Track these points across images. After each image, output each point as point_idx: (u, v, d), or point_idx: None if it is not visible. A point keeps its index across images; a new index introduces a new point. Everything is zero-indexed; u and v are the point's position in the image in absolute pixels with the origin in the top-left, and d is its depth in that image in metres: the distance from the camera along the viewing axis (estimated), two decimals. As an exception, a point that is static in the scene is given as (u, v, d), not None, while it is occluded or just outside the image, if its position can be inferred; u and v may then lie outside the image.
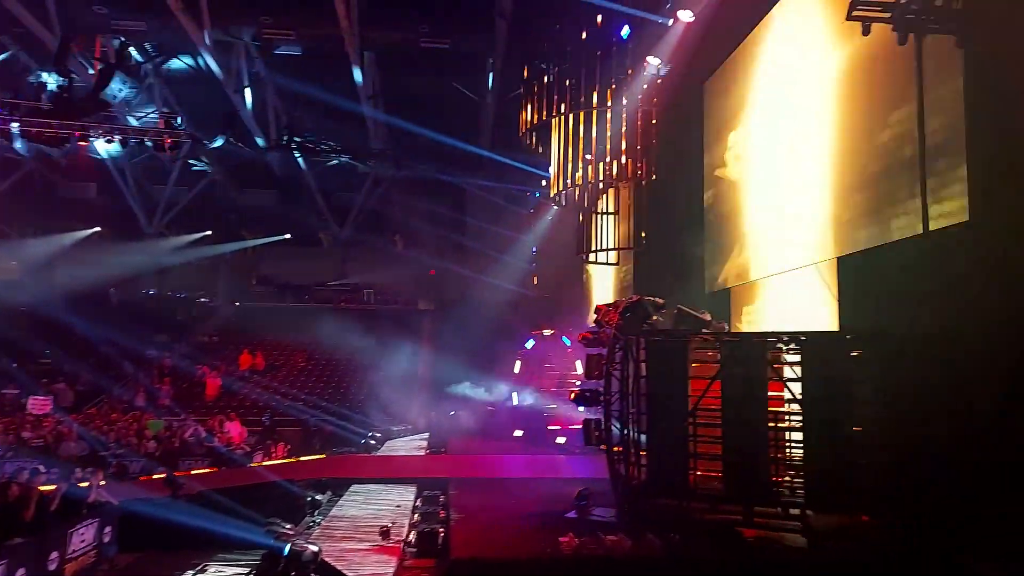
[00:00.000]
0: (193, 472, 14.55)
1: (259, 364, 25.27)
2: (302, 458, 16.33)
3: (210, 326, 30.02)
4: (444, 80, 26.06)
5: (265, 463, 16.29)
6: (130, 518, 10.20)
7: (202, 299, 33.39)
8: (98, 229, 31.88)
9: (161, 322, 28.89)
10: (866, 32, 7.48)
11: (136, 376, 23.80)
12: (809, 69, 10.70)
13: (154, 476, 13.30)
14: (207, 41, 21.56)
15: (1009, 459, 6.45)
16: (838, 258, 9.85)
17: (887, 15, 7.19)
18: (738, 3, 12.60)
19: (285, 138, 29.16)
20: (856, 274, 9.45)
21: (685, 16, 12.79)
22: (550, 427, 17.75)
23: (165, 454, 16.30)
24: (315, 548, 8.09)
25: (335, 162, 31.83)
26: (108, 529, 9.98)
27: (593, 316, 10.50)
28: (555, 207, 20.80)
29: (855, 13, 7.34)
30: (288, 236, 34.56)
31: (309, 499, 11.66)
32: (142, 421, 18.15)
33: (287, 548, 7.97)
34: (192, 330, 28.90)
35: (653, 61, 14.25)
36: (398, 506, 10.86)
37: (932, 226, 7.60)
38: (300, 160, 31.16)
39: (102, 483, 10.39)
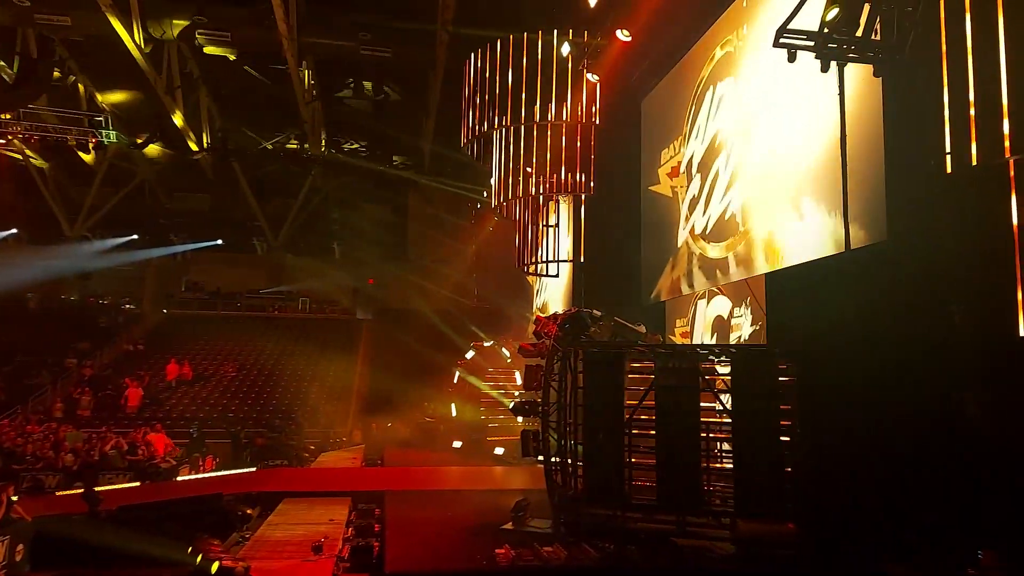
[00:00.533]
0: (114, 487, 13.92)
1: (187, 374, 24.40)
2: (231, 471, 15.85)
3: (136, 334, 28.84)
4: (387, 87, 25.93)
5: (192, 477, 15.76)
6: (45, 535, 9.67)
7: (127, 306, 32.04)
8: (15, 231, 30.26)
9: (83, 329, 27.59)
10: (791, 59, 7.82)
11: (54, 386, 22.65)
12: (740, 92, 11.13)
13: (72, 491, 12.66)
14: (137, 40, 20.83)
15: (923, 468, 6.81)
16: (767, 274, 10.23)
17: (811, 43, 7.54)
18: (673, 26, 13.00)
19: (219, 141, 28.41)
20: (783, 289, 9.85)
21: (622, 36, 13.10)
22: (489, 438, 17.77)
23: (84, 468, 15.55)
24: (245, 564, 7.85)
25: (272, 167, 31.18)
26: (20, 547, 9.41)
27: (532, 327, 10.58)
28: (496, 218, 20.89)
29: (781, 40, 7.66)
30: (220, 242, 33.61)
31: (239, 514, 11.29)
32: (59, 433, 17.26)
33: (215, 565, 7.70)
34: (116, 338, 27.69)
35: (592, 78, 14.55)
36: (331, 520, 10.63)
37: (854, 244, 7.99)
38: (234, 164, 30.39)
39: (14, 498, 9.82)
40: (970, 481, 6.26)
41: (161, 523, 9.68)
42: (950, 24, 6.56)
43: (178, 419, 21.35)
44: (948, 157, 6.50)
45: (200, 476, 15.86)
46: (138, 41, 21.14)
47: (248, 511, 11.35)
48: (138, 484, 14.52)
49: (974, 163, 6.26)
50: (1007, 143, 6.05)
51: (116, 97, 26.47)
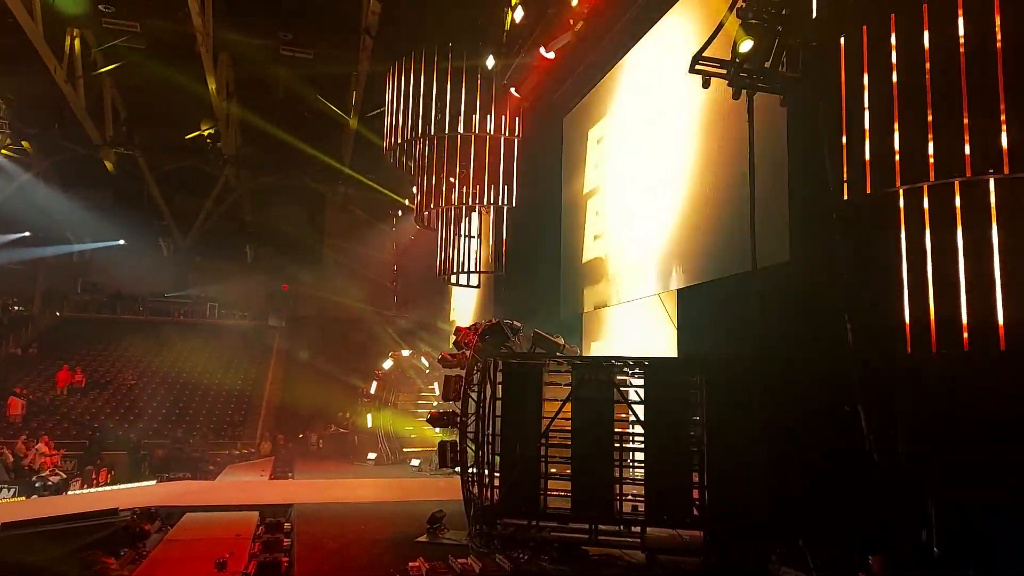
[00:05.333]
0: (-5, 503, 12.96)
1: (79, 381, 22.91)
2: (128, 485, 15.04)
3: (25, 338, 26.90)
4: (306, 89, 25.30)
5: (84, 491, 14.86)
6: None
7: (15, 307, 29.84)
8: None
9: (-38, 332, 25.53)
10: (705, 85, 8.20)
11: (-74, 393, 20.80)
12: (658, 114, 11.54)
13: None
14: (35, 25, 19.56)
15: (820, 477, 7.22)
16: (678, 290, 10.62)
17: (723, 71, 7.92)
18: (595, 46, 13.35)
19: (123, 135, 26.94)
20: (693, 305, 10.25)
21: (546, 54, 13.35)
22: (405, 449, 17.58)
23: (-40, 483, 14.35)
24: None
25: (181, 164, 29.84)
26: None
27: (453, 338, 10.57)
28: (418, 227, 20.78)
29: (696, 67, 8.02)
30: (122, 241, 31.80)
31: (136, 530, 10.69)
32: (-68, 445, 15.89)
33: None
34: (2, 342, 25.74)
35: (516, 93, 14.75)
36: (237, 535, 10.23)
37: (759, 264, 8.40)
38: (139, 159, 28.91)
39: None
40: (863, 490, 6.68)
41: (49, 541, 9.07)
42: (849, 60, 7.04)
43: (69, 429, 20.03)
44: (846, 185, 6.96)
45: (93, 490, 14.96)
46: (38, 24, 19.83)
47: (146, 527, 10.78)
48: (24, 499, 13.55)
49: (868, 191, 6.72)
50: (898, 173, 6.54)
51: (11, 83, 24.68)
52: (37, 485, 14.65)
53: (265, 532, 10.14)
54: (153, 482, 15.38)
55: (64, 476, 15.69)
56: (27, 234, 29.67)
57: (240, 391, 24.89)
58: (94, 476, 16.42)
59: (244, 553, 8.96)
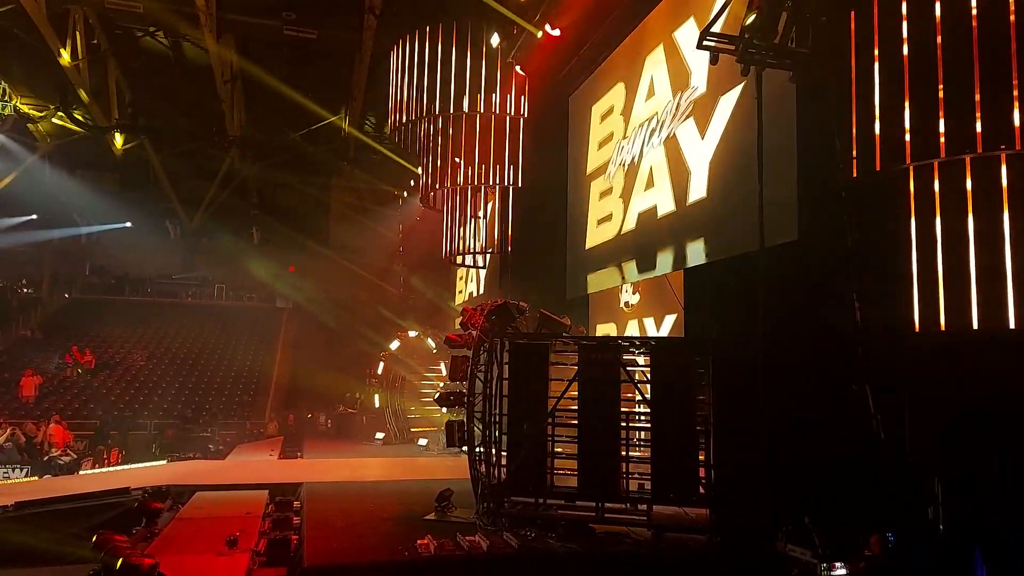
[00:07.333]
0: (11, 481, 13.13)
1: (89, 362, 23.09)
2: (139, 465, 15.20)
3: (34, 320, 27.10)
4: (309, 70, 25.15)
5: (95, 470, 15.04)
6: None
7: (25, 289, 30.04)
8: None
9: (-27, 314, 25.71)
10: (714, 61, 8.08)
11: (-61, 375, 21.04)
12: (665, 91, 11.42)
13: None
14: (38, 6, 19.47)
15: (826, 456, 7.22)
16: (685, 270, 10.57)
17: (732, 47, 7.80)
18: (601, 23, 13.19)
19: (128, 117, 26.87)
20: (700, 284, 10.21)
21: (551, 31, 13.20)
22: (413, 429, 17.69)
23: (-26, 462, 14.55)
24: (152, 561, 7.53)
25: (187, 147, 29.80)
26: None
27: (459, 318, 10.58)
28: (424, 206, 20.73)
29: (704, 43, 7.90)
30: (128, 224, 31.86)
31: (147, 508, 10.83)
32: (-54, 425, 16.08)
33: (119, 562, 7.36)
34: (12, 324, 25.93)
35: (521, 71, 14.61)
36: (247, 513, 10.35)
37: (767, 243, 8.34)
38: (145, 142, 28.87)
39: None
40: (869, 469, 6.68)
41: (62, 519, 9.18)
42: (859, 35, 6.93)
43: (80, 409, 20.23)
44: (855, 162, 6.88)
45: (104, 470, 15.14)
46: (40, 5, 19.74)
47: (157, 505, 10.91)
48: (36, 479, 13.73)
49: (877, 168, 6.65)
50: (908, 151, 6.46)
51: (14, 65, 24.63)
52: (50, 465, 14.85)
53: (275, 511, 10.25)
54: (163, 462, 15.54)
55: (75, 456, 15.88)
56: (34, 217, 29.76)
57: (248, 372, 25.06)
58: (105, 456, 16.61)
59: (254, 531, 9.06)
